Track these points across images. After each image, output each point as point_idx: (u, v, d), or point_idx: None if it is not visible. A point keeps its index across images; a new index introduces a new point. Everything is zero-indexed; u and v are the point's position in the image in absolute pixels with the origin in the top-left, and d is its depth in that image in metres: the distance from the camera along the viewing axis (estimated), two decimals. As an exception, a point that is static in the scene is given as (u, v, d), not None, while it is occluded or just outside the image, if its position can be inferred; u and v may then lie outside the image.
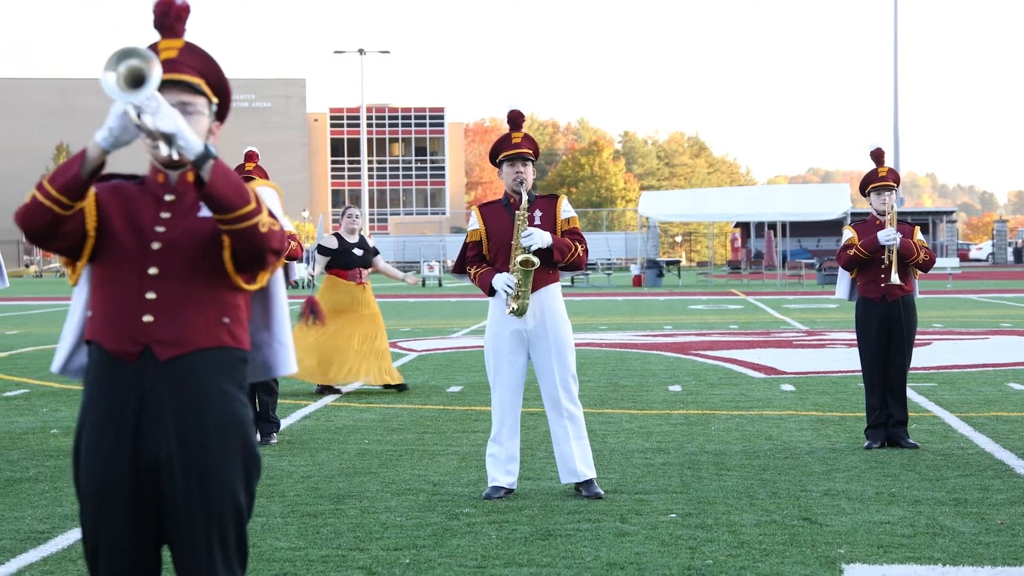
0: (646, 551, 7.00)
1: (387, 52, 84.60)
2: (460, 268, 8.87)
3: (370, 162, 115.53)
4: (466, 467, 9.61)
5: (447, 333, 24.65)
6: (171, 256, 4.08)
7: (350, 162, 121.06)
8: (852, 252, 10.56)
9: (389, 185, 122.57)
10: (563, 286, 41.50)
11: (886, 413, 10.56)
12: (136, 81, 3.82)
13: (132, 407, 4.05)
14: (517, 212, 8.52)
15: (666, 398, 13.91)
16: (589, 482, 8.52)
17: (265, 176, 11.17)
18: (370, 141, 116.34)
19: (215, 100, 4.24)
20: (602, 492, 8.52)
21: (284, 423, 12.00)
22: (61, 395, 14.37)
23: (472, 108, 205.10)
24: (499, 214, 8.69)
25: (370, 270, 14.85)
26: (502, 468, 8.55)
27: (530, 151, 8.64)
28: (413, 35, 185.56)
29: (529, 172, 8.63)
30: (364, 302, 14.58)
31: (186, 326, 4.07)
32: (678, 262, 66.75)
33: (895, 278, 10.52)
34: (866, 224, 10.71)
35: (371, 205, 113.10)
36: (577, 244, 8.61)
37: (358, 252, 14.65)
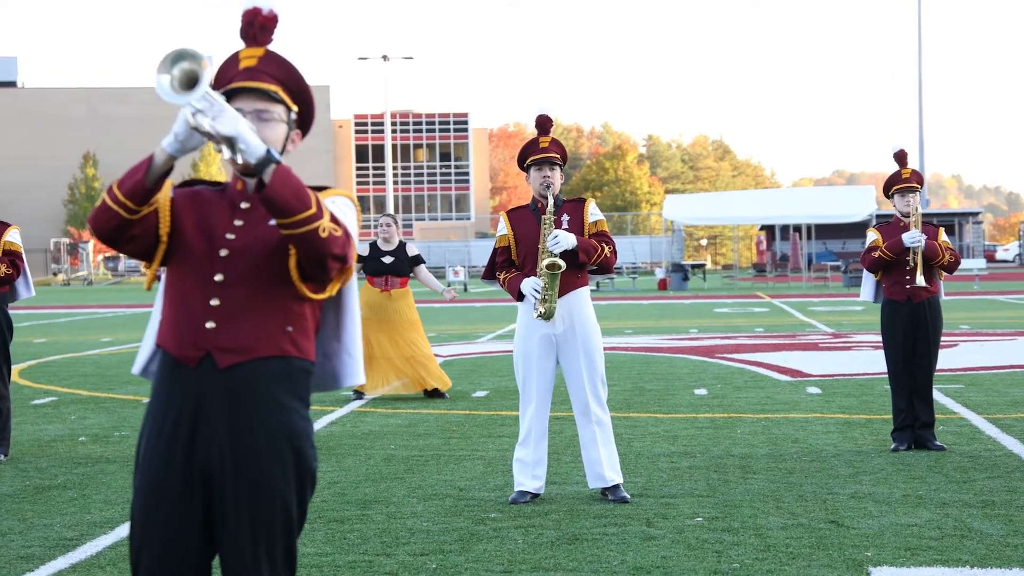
0: (672, 555, 7.00)
1: (411, 58, 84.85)
2: (490, 274, 8.87)
3: (395, 168, 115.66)
4: (492, 472, 9.63)
5: (473, 338, 24.67)
6: (237, 263, 4.08)
7: (375, 168, 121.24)
8: (876, 254, 10.54)
9: (414, 191, 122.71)
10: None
11: (912, 415, 10.54)
12: (190, 82, 3.82)
13: (189, 412, 4.07)
14: (544, 216, 8.53)
15: (692, 401, 13.90)
16: (616, 487, 8.51)
17: None
18: (395, 147, 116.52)
19: (294, 108, 4.25)
20: (628, 497, 8.51)
21: (310, 429, 12.01)
22: (89, 403, 14.43)
23: (496, 113, 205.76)
24: (527, 219, 8.70)
25: (405, 279, 14.90)
26: (529, 473, 8.54)
27: (558, 156, 8.64)
28: (437, 41, 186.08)
29: (557, 177, 8.65)
30: (394, 310, 14.61)
31: (248, 334, 4.07)
32: (703, 265, 66.72)
33: (920, 280, 10.50)
34: (890, 226, 10.69)
35: (396, 211, 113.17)
36: (604, 245, 8.57)
37: (387, 260, 14.75)
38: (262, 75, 4.17)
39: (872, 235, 10.71)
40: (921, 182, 10.67)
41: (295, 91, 4.24)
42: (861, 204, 53.95)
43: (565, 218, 8.60)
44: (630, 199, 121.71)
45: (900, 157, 10.67)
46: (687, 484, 9.06)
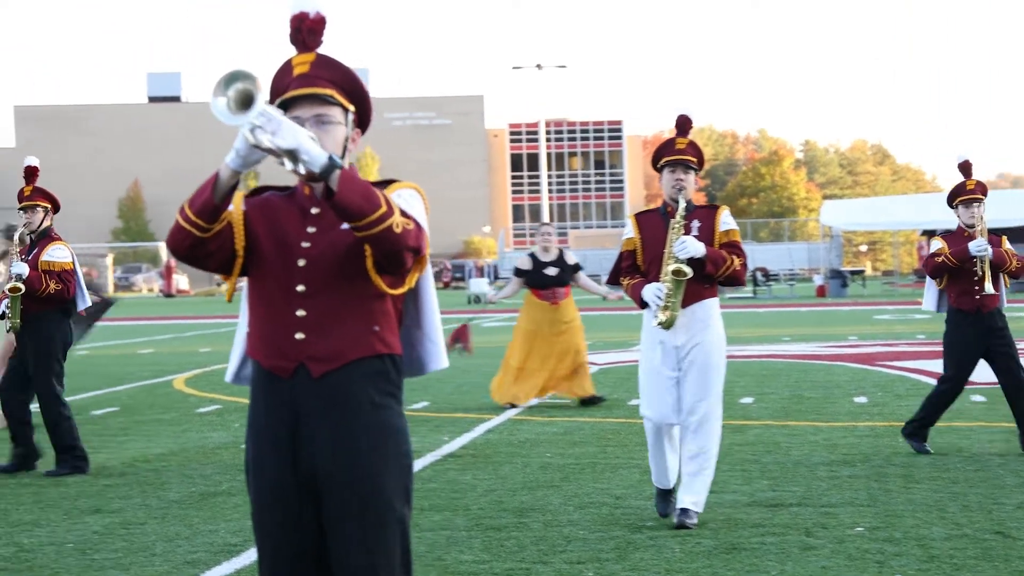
0: (832, 565, 6.91)
1: (564, 66, 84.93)
2: (615, 278, 8.58)
3: (549, 176, 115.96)
4: (648, 480, 9.58)
5: (628, 346, 24.60)
6: (317, 272, 4.13)
7: (530, 177, 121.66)
8: (940, 259, 10.57)
9: (569, 199, 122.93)
10: (745, 297, 40.73)
11: (928, 423, 10.71)
12: (246, 102, 3.84)
13: (288, 421, 4.13)
14: (672, 220, 8.11)
15: (852, 410, 13.71)
16: (686, 510, 8.01)
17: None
18: (549, 155, 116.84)
19: (351, 108, 4.28)
20: (691, 525, 7.97)
21: (468, 436, 12.12)
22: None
23: (650, 120, 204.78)
24: (655, 223, 8.28)
25: (568, 287, 14.90)
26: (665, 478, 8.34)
27: (694, 159, 8.22)
28: (590, 48, 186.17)
29: (690, 181, 8.21)
30: (560, 319, 14.63)
31: (338, 341, 4.12)
32: (862, 271, 65.67)
33: (989, 288, 10.48)
34: (954, 235, 10.71)
35: (551, 219, 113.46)
36: (734, 257, 8.08)
37: (551, 271, 14.74)
38: (317, 80, 4.20)
39: (937, 243, 10.74)
40: (985, 192, 10.70)
41: (350, 91, 4.26)
42: (1026, 207, 52.70)
43: (695, 224, 8.15)
44: (787, 205, 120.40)
45: (964, 167, 10.73)
46: (847, 493, 8.93)
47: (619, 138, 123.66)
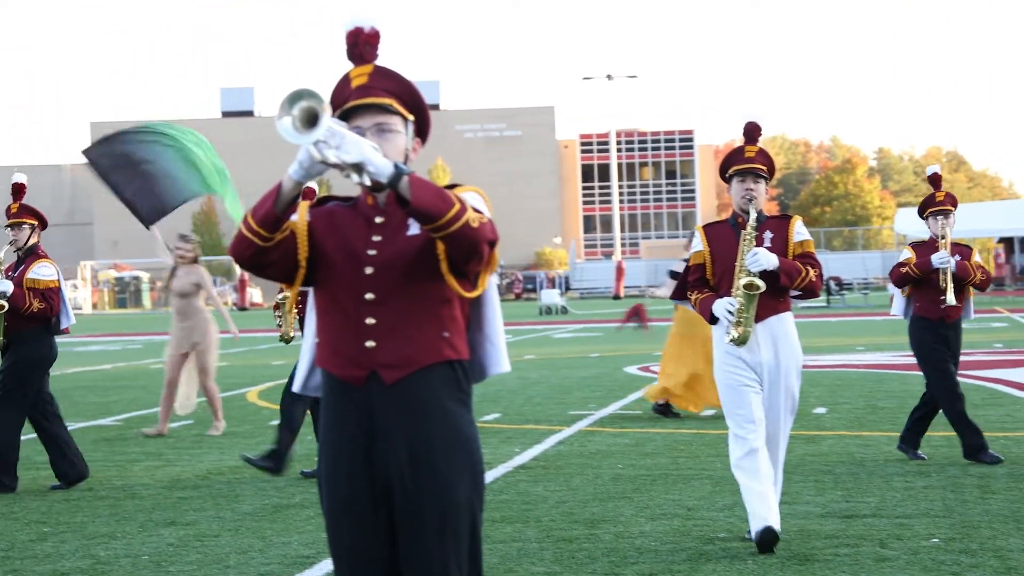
0: (907, 577, 6.84)
1: (635, 76, 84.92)
2: (681, 293, 8.23)
3: (620, 186, 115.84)
4: (720, 491, 9.54)
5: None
6: (385, 280, 4.16)
7: (601, 187, 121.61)
8: (904, 270, 10.83)
9: (640, 209, 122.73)
10: (818, 307, 40.57)
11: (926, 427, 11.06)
12: (311, 120, 3.89)
13: (363, 429, 4.17)
14: (744, 232, 7.77)
15: (927, 420, 13.54)
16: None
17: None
18: (620, 166, 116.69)
19: (411, 118, 4.31)
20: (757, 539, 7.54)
21: (539, 448, 12.12)
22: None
23: (722, 130, 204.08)
24: (725, 234, 7.94)
25: None
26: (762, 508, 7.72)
27: (764, 167, 7.90)
28: (661, 58, 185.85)
29: (761, 190, 7.89)
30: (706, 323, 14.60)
31: (408, 347, 4.15)
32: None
33: (950, 299, 10.64)
34: (925, 246, 10.92)
35: (622, 229, 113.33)
36: (808, 268, 7.76)
37: None
38: (376, 90, 4.23)
39: (907, 252, 11.01)
40: (955, 204, 10.93)
41: (409, 101, 4.30)
42: (1105, 214, 52.01)
43: (768, 236, 7.82)
44: (860, 213, 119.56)
45: (934, 179, 10.92)
46: (922, 504, 8.84)
47: (690, 148, 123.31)
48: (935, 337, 10.82)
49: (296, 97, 3.90)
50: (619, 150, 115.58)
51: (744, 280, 7.63)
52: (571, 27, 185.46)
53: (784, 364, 7.78)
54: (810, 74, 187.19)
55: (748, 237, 7.74)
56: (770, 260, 7.65)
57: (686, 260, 13.68)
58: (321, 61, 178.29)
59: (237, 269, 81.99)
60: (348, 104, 4.23)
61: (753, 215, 7.78)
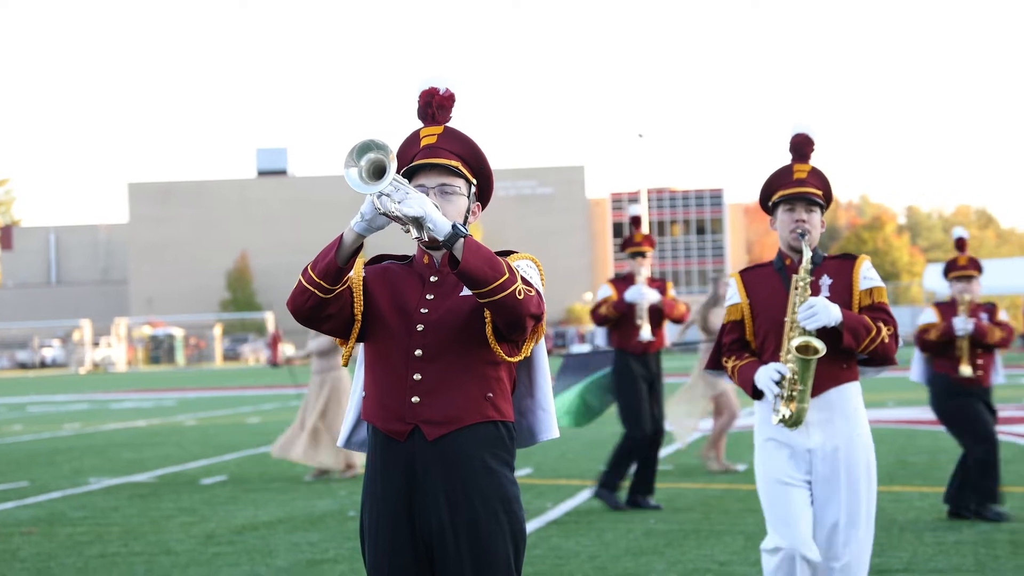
0: (938, 631, 6.85)
1: (664, 135, 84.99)
2: (716, 362, 6.33)
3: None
4: (752, 547, 9.57)
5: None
6: (435, 337, 4.24)
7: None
8: (930, 335, 10.70)
9: (671, 265, 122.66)
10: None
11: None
12: (377, 172, 3.98)
13: (405, 484, 4.24)
14: (795, 277, 6.03)
15: (959, 475, 13.52)
16: None
17: None
18: (651, 223, 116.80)
19: (474, 181, 4.40)
20: None
21: (571, 503, 12.15)
22: (359, 478, 14.84)
23: (751, 188, 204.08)
24: (769, 281, 6.17)
25: None
26: None
27: (819, 192, 6.14)
28: (691, 117, 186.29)
29: (815, 221, 6.11)
30: None
31: (452, 405, 4.22)
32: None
33: (966, 371, 10.61)
34: (949, 305, 10.85)
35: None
36: (881, 325, 5.98)
37: None
38: (443, 151, 4.34)
39: (930, 312, 10.86)
40: (979, 269, 10.89)
41: (475, 165, 4.40)
42: None
43: (826, 281, 6.09)
44: (890, 270, 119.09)
45: (959, 244, 10.98)
46: (954, 559, 8.85)
47: (720, 205, 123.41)
48: (969, 396, 10.69)
49: (365, 148, 3.98)
50: (650, 207, 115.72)
51: (797, 341, 5.92)
52: (601, 87, 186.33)
53: (851, 455, 6.01)
54: (839, 132, 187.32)
55: (801, 284, 6.02)
56: (831, 314, 5.92)
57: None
58: (353, 122, 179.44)
59: (270, 326, 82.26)
60: (415, 162, 4.33)
61: (807, 255, 6.04)
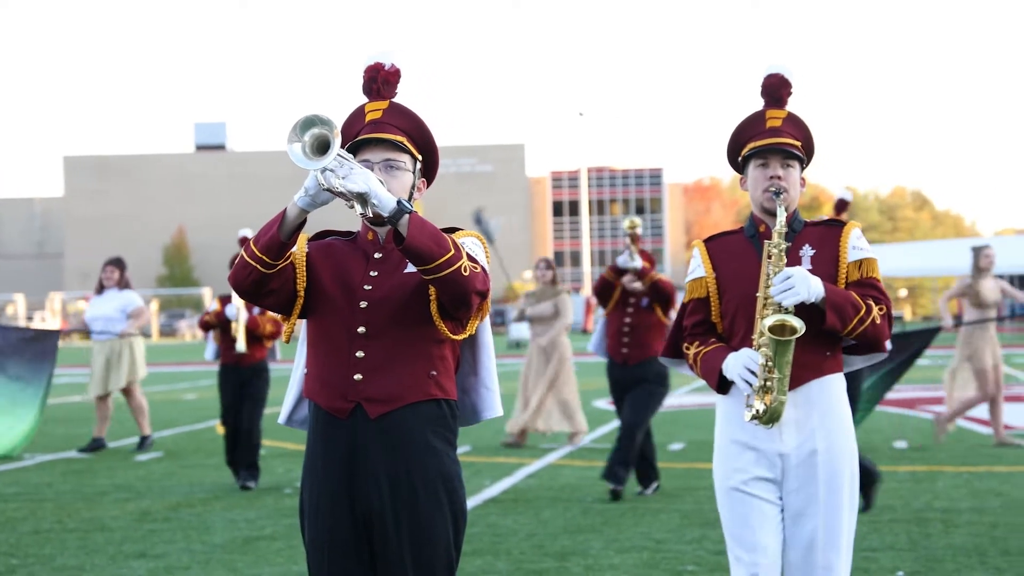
0: (871, 609, 6.92)
1: (605, 113, 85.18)
2: (674, 349, 5.25)
3: (590, 222, 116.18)
4: (689, 524, 9.63)
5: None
6: (378, 314, 4.22)
7: (571, 222, 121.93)
8: None
9: (610, 244, 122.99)
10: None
11: None
12: (321, 147, 3.96)
13: (345, 462, 4.23)
14: (768, 244, 4.96)
15: (891, 454, 13.69)
16: None
17: None
18: (590, 202, 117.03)
19: (419, 157, 4.39)
20: None
21: (509, 481, 12.17)
22: (296, 456, 14.80)
23: (690, 168, 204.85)
24: (739, 250, 5.11)
25: None
26: None
27: (797, 141, 5.10)
28: (631, 95, 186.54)
29: (794, 179, 5.06)
30: None
31: (395, 383, 4.21)
32: (901, 316, 65.37)
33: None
34: None
35: (592, 264, 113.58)
36: (871, 303, 4.91)
37: None
38: (388, 127, 4.32)
39: None
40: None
41: (420, 141, 4.38)
42: (1069, 252, 52.46)
43: (807, 252, 5.05)
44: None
45: (842, 205, 11.83)
46: (887, 538, 8.94)
47: (659, 184, 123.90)
48: None
49: (309, 123, 3.95)
50: (590, 186, 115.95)
51: (771, 320, 4.84)
52: (541, 65, 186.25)
53: (832, 458, 4.92)
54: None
55: (775, 251, 4.94)
56: (811, 287, 4.85)
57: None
58: (291, 96, 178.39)
59: (207, 302, 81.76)
60: (359, 137, 4.31)
61: (782, 217, 4.97)
